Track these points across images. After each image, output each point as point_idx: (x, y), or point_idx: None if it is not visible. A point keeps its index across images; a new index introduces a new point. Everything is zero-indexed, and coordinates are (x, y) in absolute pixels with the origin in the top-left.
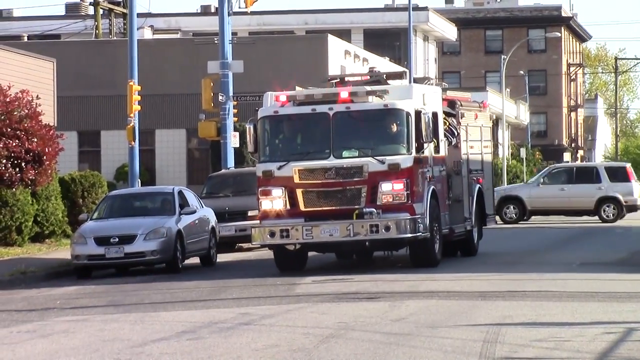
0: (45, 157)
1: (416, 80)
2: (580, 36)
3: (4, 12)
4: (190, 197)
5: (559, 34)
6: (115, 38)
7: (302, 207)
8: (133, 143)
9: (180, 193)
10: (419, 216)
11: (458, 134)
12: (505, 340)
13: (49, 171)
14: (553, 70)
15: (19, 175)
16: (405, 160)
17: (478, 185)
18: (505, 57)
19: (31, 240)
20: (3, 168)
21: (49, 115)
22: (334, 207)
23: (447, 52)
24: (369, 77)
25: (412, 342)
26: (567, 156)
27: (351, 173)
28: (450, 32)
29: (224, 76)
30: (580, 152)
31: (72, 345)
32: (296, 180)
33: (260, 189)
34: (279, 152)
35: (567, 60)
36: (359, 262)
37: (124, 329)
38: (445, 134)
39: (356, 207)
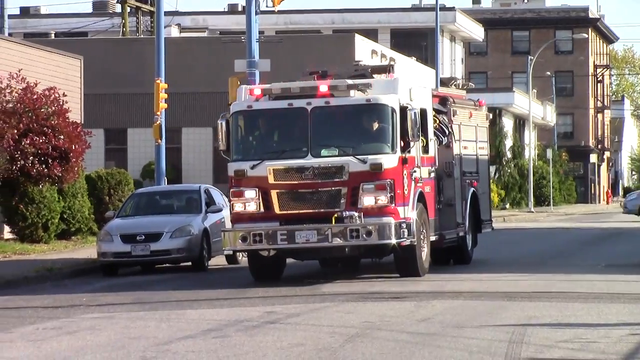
0: (71, 154)
1: (442, 81)
2: (607, 37)
3: (32, 10)
4: (217, 195)
5: (586, 35)
6: (142, 36)
7: (277, 210)
8: (160, 141)
9: (207, 191)
10: (404, 221)
11: (449, 132)
12: (530, 340)
13: (76, 168)
14: (580, 71)
15: (45, 171)
16: (389, 160)
17: (472, 189)
18: (532, 58)
19: (57, 237)
20: (30, 165)
21: (75, 112)
22: (311, 210)
23: (474, 52)
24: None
25: (437, 342)
26: (593, 157)
27: (330, 173)
28: (477, 32)
29: (251, 75)
30: (607, 154)
31: (97, 342)
32: (271, 180)
33: (232, 190)
34: (252, 150)
35: (594, 62)
36: (346, 270)
37: (149, 326)
38: (435, 133)
39: (335, 210)
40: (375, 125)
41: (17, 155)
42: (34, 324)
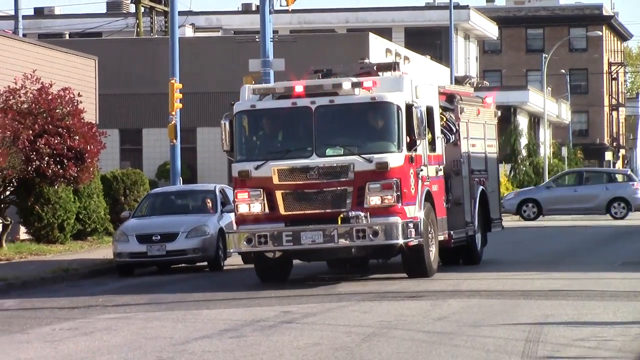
0: (87, 155)
1: (457, 79)
2: (622, 35)
3: (46, 10)
4: (232, 195)
5: (600, 33)
6: (156, 36)
7: (281, 211)
8: (175, 141)
9: (222, 191)
10: (411, 220)
11: (457, 130)
12: (547, 339)
13: (91, 169)
14: (594, 69)
15: (61, 172)
16: (395, 158)
17: (481, 187)
18: (546, 55)
19: (73, 237)
20: (45, 165)
21: (90, 113)
22: (317, 211)
23: (488, 50)
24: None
25: (454, 341)
26: (608, 155)
27: (335, 173)
28: (491, 30)
29: (265, 74)
30: (622, 152)
31: (114, 342)
32: (275, 181)
33: (236, 191)
34: (256, 150)
35: (608, 59)
36: (356, 270)
37: (166, 326)
38: (442, 131)
39: (341, 210)
40: (381, 124)
41: (32, 156)
42: (51, 325)
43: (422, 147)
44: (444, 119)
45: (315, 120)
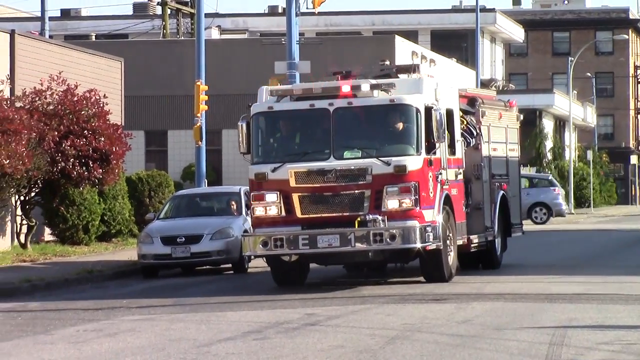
0: (112, 156)
1: (483, 82)
2: None
3: (72, 12)
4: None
5: (626, 36)
6: (182, 38)
7: (298, 214)
8: (200, 143)
9: (247, 193)
10: (429, 224)
11: (478, 134)
12: (571, 342)
13: (116, 170)
14: (620, 72)
15: (86, 173)
16: (413, 161)
17: (502, 192)
18: (572, 59)
19: (98, 239)
20: (70, 167)
21: (116, 114)
22: (334, 214)
23: (514, 53)
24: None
25: (478, 344)
26: (634, 159)
27: (353, 176)
28: (517, 33)
29: (291, 76)
30: None
31: (138, 344)
32: (292, 183)
33: (252, 194)
34: (273, 152)
35: (634, 63)
36: (372, 274)
37: (190, 328)
38: (462, 134)
39: (359, 213)
40: (400, 126)
41: (57, 157)
42: (75, 326)
43: (441, 150)
44: (465, 122)
45: (333, 123)
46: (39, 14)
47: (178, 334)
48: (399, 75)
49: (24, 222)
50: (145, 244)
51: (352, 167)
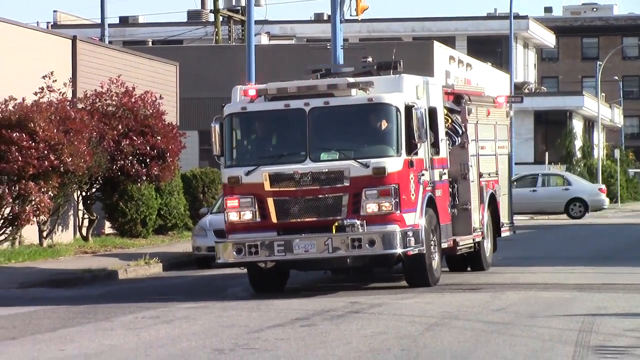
0: (168, 154)
1: (516, 85)
2: None
3: (131, 19)
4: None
5: None
6: (234, 44)
7: (273, 219)
8: None
9: None
10: (410, 228)
11: (463, 132)
12: (599, 329)
13: (172, 167)
14: None
15: (144, 170)
16: (393, 163)
17: (490, 191)
18: (600, 63)
19: (155, 232)
20: (129, 164)
21: (171, 115)
22: (310, 219)
23: (546, 58)
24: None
25: (511, 330)
26: None
27: (330, 179)
28: (548, 39)
29: None
30: None
31: (193, 330)
32: (267, 187)
33: (226, 198)
34: (247, 155)
35: None
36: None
37: (241, 315)
38: (447, 133)
39: (336, 218)
40: (379, 126)
41: (117, 156)
42: (133, 313)
43: (423, 151)
44: (450, 121)
45: (309, 123)
46: (99, 21)
47: (230, 321)
48: (380, 72)
49: (86, 216)
50: (199, 236)
51: (329, 170)
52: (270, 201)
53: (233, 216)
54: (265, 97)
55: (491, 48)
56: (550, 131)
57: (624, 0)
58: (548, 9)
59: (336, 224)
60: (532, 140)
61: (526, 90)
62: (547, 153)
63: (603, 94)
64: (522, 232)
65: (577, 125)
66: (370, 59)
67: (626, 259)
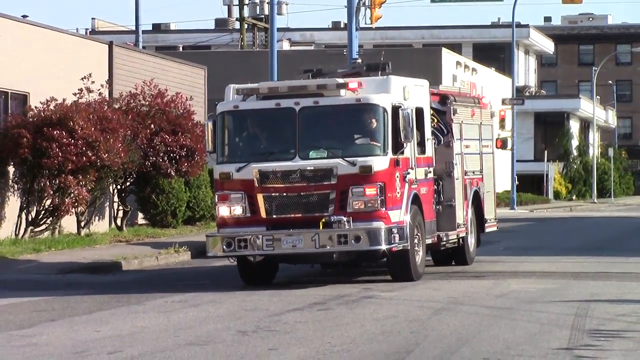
0: (196, 152)
1: (518, 89)
2: None
3: (163, 26)
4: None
5: None
6: (257, 49)
7: (263, 215)
8: None
9: None
10: (395, 225)
11: (449, 132)
12: (593, 314)
13: (200, 163)
14: (638, 80)
15: (174, 167)
16: (379, 162)
17: (475, 188)
18: (596, 68)
19: (184, 222)
20: (161, 161)
21: (200, 115)
22: (299, 215)
23: (545, 64)
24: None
25: (512, 315)
26: None
27: (318, 176)
28: (548, 46)
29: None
30: None
31: (218, 313)
32: (257, 184)
33: (217, 194)
34: (239, 152)
35: None
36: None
37: (263, 300)
38: (433, 132)
39: (324, 214)
40: (366, 126)
41: (149, 152)
42: (163, 297)
43: (409, 150)
44: (435, 120)
45: (299, 122)
46: (134, 28)
47: (253, 305)
48: (369, 73)
49: (120, 207)
50: None
51: (317, 168)
52: (260, 197)
53: (224, 211)
54: (257, 96)
55: (495, 54)
56: (549, 131)
57: (618, 10)
58: (547, 19)
59: (323, 220)
60: (532, 139)
61: (527, 93)
62: (546, 151)
63: (598, 97)
64: (522, 224)
65: (574, 126)
66: (360, 60)
67: (619, 250)
